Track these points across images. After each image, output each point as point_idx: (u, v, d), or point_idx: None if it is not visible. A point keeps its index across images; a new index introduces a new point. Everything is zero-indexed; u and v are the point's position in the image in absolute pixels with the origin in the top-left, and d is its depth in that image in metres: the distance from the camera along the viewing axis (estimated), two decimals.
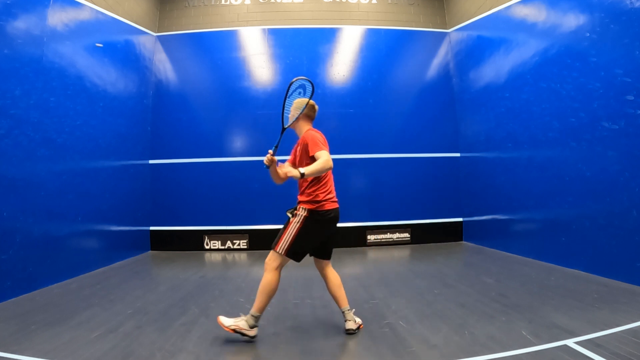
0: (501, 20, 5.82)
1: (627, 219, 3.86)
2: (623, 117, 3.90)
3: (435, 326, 2.84)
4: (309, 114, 2.86)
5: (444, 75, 7.14)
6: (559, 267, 4.63)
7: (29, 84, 4.12)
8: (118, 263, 5.56)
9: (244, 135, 6.82)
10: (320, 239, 2.79)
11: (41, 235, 4.21)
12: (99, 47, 5.03)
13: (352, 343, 2.63)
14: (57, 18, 4.59)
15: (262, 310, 2.65)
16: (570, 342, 2.43)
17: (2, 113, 3.78)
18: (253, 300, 3.59)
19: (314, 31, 6.95)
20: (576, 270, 4.39)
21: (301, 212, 2.71)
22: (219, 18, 7.01)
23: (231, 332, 2.60)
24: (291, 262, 2.76)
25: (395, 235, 6.75)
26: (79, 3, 5.04)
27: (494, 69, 5.99)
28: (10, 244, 3.81)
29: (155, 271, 5.28)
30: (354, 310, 2.87)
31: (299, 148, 2.79)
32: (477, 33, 6.46)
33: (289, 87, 2.80)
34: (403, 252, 6.19)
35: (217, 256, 6.21)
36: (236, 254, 6.32)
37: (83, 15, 5.12)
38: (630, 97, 3.81)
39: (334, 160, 2.68)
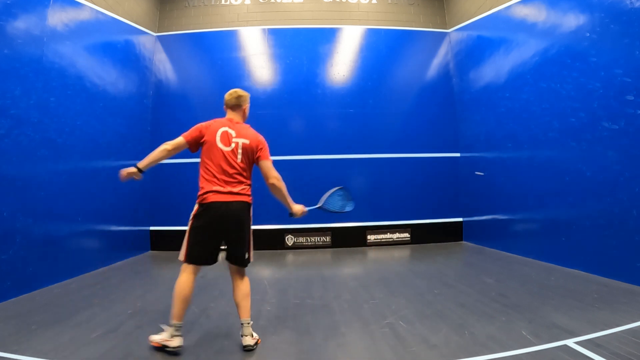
0: (501, 20, 5.82)
1: (627, 219, 3.86)
2: (623, 117, 3.90)
3: (435, 326, 2.84)
4: (224, 102, 2.82)
5: (444, 75, 7.13)
6: (559, 267, 4.62)
7: (29, 84, 4.11)
8: (118, 263, 5.55)
9: None
10: (214, 237, 2.51)
11: (41, 235, 4.21)
12: (478, 174, 5.18)
13: (352, 343, 2.63)
14: (57, 18, 4.58)
15: (179, 318, 2.46)
16: (570, 342, 2.44)
17: (2, 113, 3.78)
18: (253, 300, 3.60)
19: (314, 31, 6.95)
20: (576, 270, 4.39)
21: (193, 210, 2.54)
22: (219, 18, 7.00)
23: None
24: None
25: (395, 235, 6.75)
26: (79, 3, 5.04)
27: (494, 69, 5.98)
28: (10, 244, 3.80)
29: (155, 271, 5.28)
30: (251, 323, 2.57)
31: None
32: (477, 33, 6.46)
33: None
34: (403, 252, 6.19)
35: None
36: None
37: (83, 15, 5.11)
38: (630, 97, 3.81)
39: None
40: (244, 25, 6.97)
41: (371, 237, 6.70)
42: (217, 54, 6.88)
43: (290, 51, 6.89)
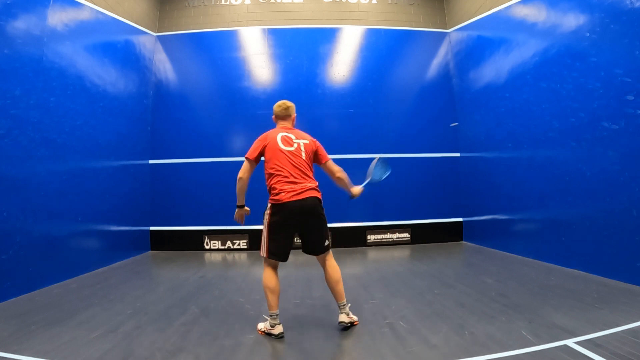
0: (501, 20, 5.82)
1: (627, 219, 3.86)
2: (623, 117, 3.90)
3: (435, 326, 2.84)
4: (275, 114, 3.07)
5: (444, 75, 7.13)
6: (559, 267, 4.62)
7: (29, 84, 4.12)
8: (118, 263, 5.56)
9: (244, 135, 6.80)
10: (290, 234, 2.75)
11: (41, 235, 4.21)
12: (453, 125, 5.51)
13: (352, 343, 2.63)
14: (57, 18, 4.58)
15: (272, 307, 2.70)
16: (570, 342, 2.43)
17: (2, 113, 3.78)
18: (253, 300, 3.61)
19: (314, 31, 6.95)
20: (576, 270, 4.39)
21: (266, 209, 2.76)
22: (219, 18, 7.00)
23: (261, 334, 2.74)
24: (293, 260, 2.78)
25: (395, 235, 6.75)
26: (79, 3, 5.04)
27: (494, 69, 5.98)
28: (10, 244, 3.80)
29: (155, 271, 5.28)
30: (349, 305, 2.89)
31: None
32: (477, 33, 6.45)
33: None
34: (403, 252, 6.19)
35: (217, 256, 6.21)
36: (236, 254, 6.32)
37: (83, 15, 5.11)
38: (630, 97, 3.81)
39: (334, 160, 2.78)
40: (244, 25, 6.97)
41: (371, 237, 6.70)
42: (217, 54, 6.88)
43: (290, 51, 6.88)
